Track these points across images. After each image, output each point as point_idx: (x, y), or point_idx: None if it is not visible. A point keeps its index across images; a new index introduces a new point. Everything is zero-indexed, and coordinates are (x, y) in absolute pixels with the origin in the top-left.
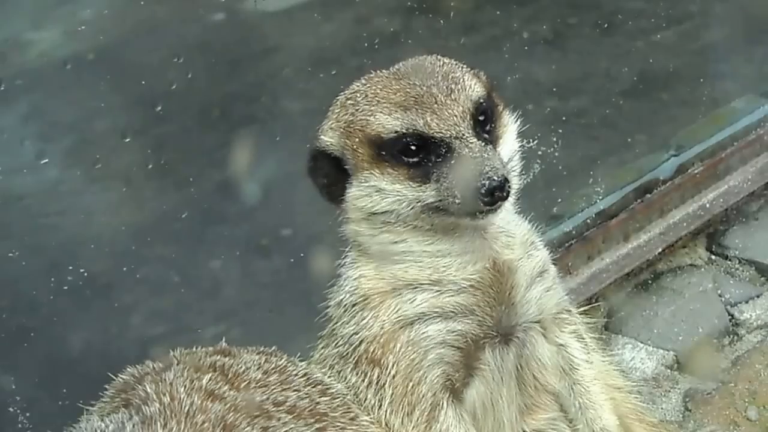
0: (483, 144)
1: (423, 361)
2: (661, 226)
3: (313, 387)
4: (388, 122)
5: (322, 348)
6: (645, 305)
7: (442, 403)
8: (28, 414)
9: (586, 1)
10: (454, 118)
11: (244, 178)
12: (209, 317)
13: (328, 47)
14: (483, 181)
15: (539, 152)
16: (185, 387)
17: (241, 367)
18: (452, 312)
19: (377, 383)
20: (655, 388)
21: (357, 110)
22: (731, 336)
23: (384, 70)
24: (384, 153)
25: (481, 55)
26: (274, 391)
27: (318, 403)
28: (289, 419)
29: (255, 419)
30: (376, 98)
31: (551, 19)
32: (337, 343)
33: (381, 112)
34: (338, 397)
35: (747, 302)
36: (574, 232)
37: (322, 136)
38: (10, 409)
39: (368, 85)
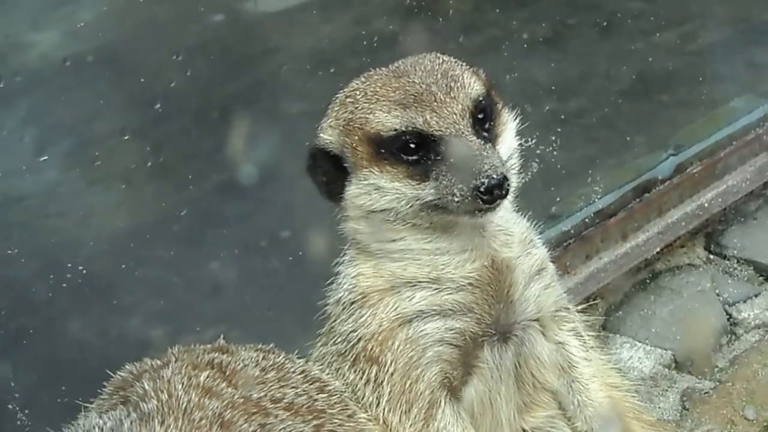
0: (482, 142)
1: (421, 358)
2: (660, 225)
3: (310, 384)
4: (387, 120)
5: (321, 346)
6: (643, 304)
7: (440, 401)
8: (27, 411)
9: (585, 1)
10: (454, 116)
11: (243, 179)
12: (208, 318)
13: (327, 47)
14: (482, 180)
15: (537, 151)
16: (183, 384)
17: (239, 364)
18: (451, 310)
19: (375, 381)
20: (653, 387)
21: (356, 108)
22: (729, 335)
23: (383, 68)
24: (383, 151)
25: (480, 55)
26: (272, 388)
27: (316, 400)
28: (286, 416)
29: (252, 416)
30: (376, 96)
31: (550, 20)
32: (335, 340)
33: (380, 110)
34: (336, 395)
35: (745, 302)
36: (572, 232)
37: (321, 134)
38: (9, 406)
39: (367, 83)
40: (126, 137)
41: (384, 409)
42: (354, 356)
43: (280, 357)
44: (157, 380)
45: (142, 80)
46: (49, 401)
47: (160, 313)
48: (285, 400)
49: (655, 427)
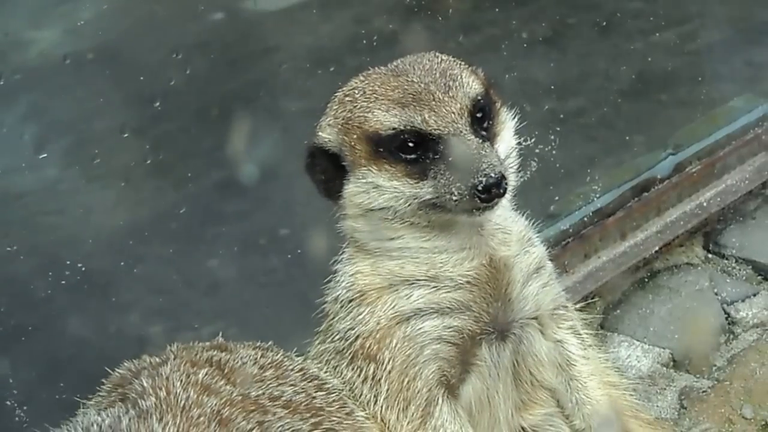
0: (480, 141)
1: (419, 356)
2: (658, 224)
3: (309, 382)
4: (386, 119)
5: (319, 343)
6: (641, 303)
7: (438, 399)
8: (25, 407)
9: (585, 1)
10: (452, 115)
11: (243, 177)
12: (207, 315)
13: (327, 46)
14: (480, 178)
15: (536, 150)
16: (181, 381)
17: (238, 362)
18: (448, 308)
19: (373, 378)
20: (651, 386)
21: (355, 107)
22: (727, 334)
23: (382, 67)
24: (382, 149)
25: (479, 54)
26: (270, 386)
27: (314, 398)
28: (284, 414)
29: (250, 413)
30: (374, 95)
31: (550, 19)
32: (333, 338)
33: (379, 108)
34: (334, 393)
35: (743, 301)
36: (571, 230)
37: (319, 133)
38: (8, 403)
39: (366, 81)
40: (125, 135)
41: (381, 406)
42: (352, 354)
43: (279, 355)
44: (156, 377)
45: (142, 78)
46: (48, 398)
47: (158, 311)
48: (283, 398)
49: (653, 426)
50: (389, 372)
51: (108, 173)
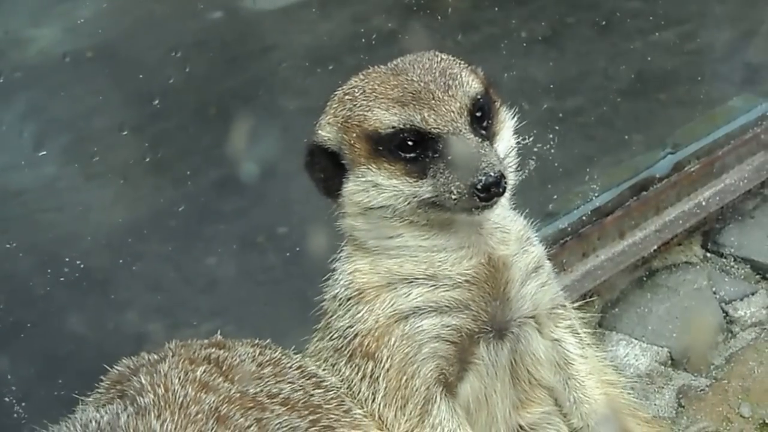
0: (480, 140)
1: (417, 355)
2: (657, 223)
3: (307, 379)
4: (385, 117)
5: (317, 341)
6: (640, 302)
7: (436, 397)
8: (23, 404)
9: (584, 0)
10: (451, 114)
11: (241, 175)
12: (205, 313)
13: (326, 45)
14: (479, 177)
15: (535, 149)
16: (179, 378)
17: (236, 359)
18: (447, 307)
19: (371, 376)
20: (649, 385)
21: (354, 105)
22: (725, 333)
23: (382, 66)
24: (381, 148)
25: (478, 53)
26: (268, 383)
27: (312, 395)
28: (282, 411)
29: (248, 411)
30: (374, 94)
31: (549, 18)
32: (331, 336)
33: (378, 107)
34: (332, 390)
35: (742, 300)
36: (569, 229)
37: (319, 131)
38: (6, 399)
39: (366, 80)
40: (124, 132)
41: (379, 404)
42: (350, 352)
43: (277, 352)
44: (154, 374)
45: (141, 77)
46: (46, 395)
47: (157, 308)
48: (281, 396)
49: (651, 424)
50: (387, 370)
51: (107, 171)
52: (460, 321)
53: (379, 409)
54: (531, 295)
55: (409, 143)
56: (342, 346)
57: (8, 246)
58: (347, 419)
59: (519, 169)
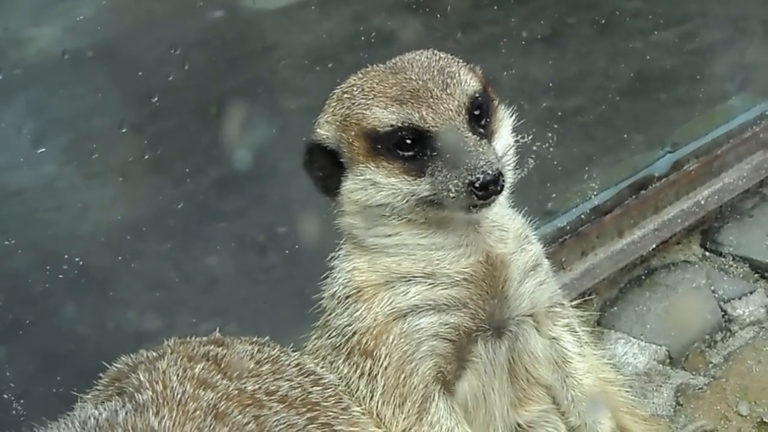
0: (478, 138)
1: (415, 353)
2: (656, 222)
3: (305, 377)
4: (383, 116)
5: (315, 339)
6: (638, 300)
7: (434, 395)
8: (22, 401)
9: (584, 0)
10: (450, 112)
11: (240, 174)
12: (205, 311)
13: (325, 44)
14: (477, 175)
15: (534, 147)
16: (178, 375)
17: (234, 356)
18: (445, 305)
19: (369, 374)
20: (647, 383)
21: (353, 104)
22: (724, 332)
23: (380, 65)
24: (379, 146)
25: (478, 52)
26: (267, 380)
27: (310, 392)
28: (280, 408)
29: (247, 408)
30: (373, 92)
31: (549, 18)
32: (330, 334)
33: (377, 105)
34: (330, 388)
35: (740, 298)
36: (568, 228)
37: (318, 130)
38: (5, 396)
39: (364, 79)
40: (124, 130)
41: (378, 402)
42: (348, 350)
43: (275, 350)
44: (153, 371)
45: (141, 76)
46: (45, 392)
47: (156, 306)
48: (279, 393)
49: (649, 422)
50: (386, 368)
51: (107, 170)
52: (459, 319)
53: (377, 407)
54: (529, 294)
55: (408, 141)
56: (340, 344)
57: (7, 243)
58: (345, 416)
59: (517, 167)
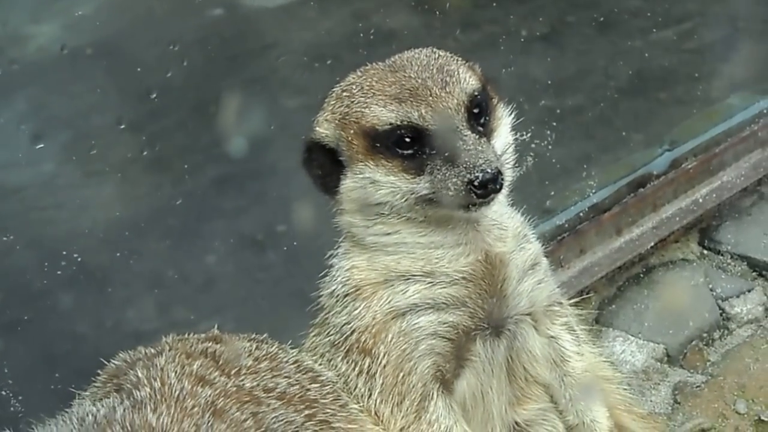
0: (477, 137)
1: (414, 351)
2: (654, 220)
3: (303, 374)
4: (383, 114)
5: (314, 336)
6: (636, 299)
7: (432, 394)
8: (20, 398)
9: None
10: (449, 110)
11: (240, 172)
12: (203, 309)
13: (325, 42)
14: (476, 174)
15: (532, 145)
16: (176, 372)
17: (232, 353)
18: (444, 303)
19: (368, 372)
20: (645, 381)
21: (352, 102)
22: (722, 330)
23: (379, 63)
24: (379, 145)
25: (477, 51)
26: (265, 377)
27: (308, 390)
28: (278, 405)
29: (245, 405)
30: (372, 90)
31: (549, 16)
32: (328, 332)
33: (376, 104)
34: (328, 385)
35: (738, 297)
36: (566, 226)
37: (317, 128)
38: (3, 393)
39: (364, 77)
40: (122, 126)
41: (376, 400)
42: (347, 348)
43: (273, 347)
44: (151, 368)
45: (140, 73)
46: (43, 389)
47: (154, 303)
48: (277, 390)
49: (646, 420)
50: (384, 366)
51: (106, 168)
52: (457, 318)
53: (375, 406)
54: (528, 293)
55: (407, 140)
56: (339, 342)
57: (5, 239)
58: (343, 414)
59: (516, 165)
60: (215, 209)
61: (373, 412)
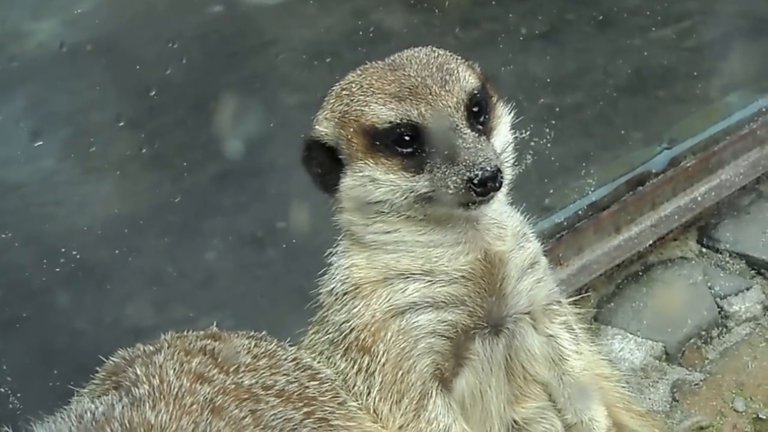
0: (476, 135)
1: (413, 350)
2: (653, 218)
3: (302, 372)
4: (382, 112)
5: (313, 334)
6: (635, 297)
7: (431, 392)
8: (18, 395)
9: None
10: (448, 109)
11: (239, 169)
12: (203, 306)
13: (324, 40)
14: (476, 172)
15: (532, 143)
16: (175, 370)
17: (231, 351)
18: (443, 302)
19: (367, 370)
20: (644, 379)
21: (352, 100)
22: (720, 328)
23: (379, 62)
24: (378, 143)
25: (477, 49)
26: (264, 375)
27: (307, 387)
28: (277, 403)
29: (243, 402)
30: (371, 89)
31: (548, 14)
32: (327, 330)
33: (376, 102)
34: (327, 383)
35: (736, 295)
36: (565, 224)
37: (316, 126)
38: (1, 390)
39: (363, 75)
40: (121, 123)
41: (375, 398)
42: (346, 346)
43: (272, 344)
44: (149, 366)
45: (140, 70)
46: (41, 386)
47: (153, 300)
48: (276, 387)
49: (645, 418)
50: (383, 364)
51: (105, 165)
52: (456, 316)
53: (374, 404)
54: (527, 291)
55: (406, 138)
56: (338, 340)
57: (4, 236)
58: (342, 411)
59: (516, 164)
60: (214, 206)
61: (371, 410)
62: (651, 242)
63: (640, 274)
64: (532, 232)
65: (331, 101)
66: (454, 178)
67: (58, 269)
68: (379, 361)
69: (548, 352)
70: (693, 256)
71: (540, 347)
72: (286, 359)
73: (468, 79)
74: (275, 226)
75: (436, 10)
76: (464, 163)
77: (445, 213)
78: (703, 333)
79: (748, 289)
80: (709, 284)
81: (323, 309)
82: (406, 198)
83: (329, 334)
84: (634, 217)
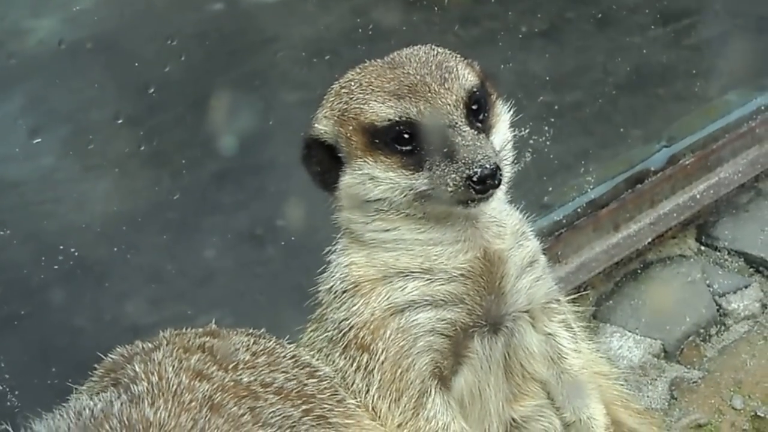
0: (476, 133)
1: (412, 348)
2: (651, 216)
3: (301, 369)
4: (381, 110)
5: (311, 331)
6: (634, 294)
7: (430, 390)
8: (17, 392)
9: None
10: (448, 106)
11: (238, 167)
12: (202, 304)
13: (324, 38)
14: (475, 169)
15: (531, 141)
16: (173, 367)
17: (230, 348)
18: (442, 300)
19: (365, 368)
20: (642, 377)
21: (351, 99)
22: (718, 326)
23: (378, 60)
24: (377, 141)
25: (477, 47)
26: (262, 372)
27: (305, 385)
28: (276, 400)
29: (242, 399)
30: (371, 87)
31: (548, 13)
32: (326, 327)
33: (375, 100)
34: (326, 380)
35: (735, 293)
36: (564, 221)
37: (316, 124)
38: (0, 387)
39: (362, 73)
40: (120, 121)
41: (373, 396)
42: (345, 344)
43: (271, 342)
44: (148, 363)
45: (139, 68)
46: (40, 383)
47: (152, 298)
48: (275, 385)
49: (643, 416)
50: (382, 363)
51: (105, 162)
52: (455, 315)
53: (373, 401)
54: (526, 290)
55: (405, 136)
56: (337, 338)
57: (2, 233)
58: (340, 409)
59: (515, 161)
60: (213, 204)
61: (370, 408)
62: (650, 240)
63: (639, 271)
64: (531, 230)
65: (331, 99)
66: (453, 175)
67: (56, 266)
68: (378, 359)
69: (547, 350)
70: (692, 254)
71: (539, 345)
72: (284, 357)
73: (467, 77)
74: (274, 223)
75: (436, 8)
76: (463, 161)
77: (444, 211)
78: (702, 331)
79: (746, 287)
80: (707, 282)
81: (322, 307)
82: (405, 196)
83: (328, 331)
84: (632, 215)
